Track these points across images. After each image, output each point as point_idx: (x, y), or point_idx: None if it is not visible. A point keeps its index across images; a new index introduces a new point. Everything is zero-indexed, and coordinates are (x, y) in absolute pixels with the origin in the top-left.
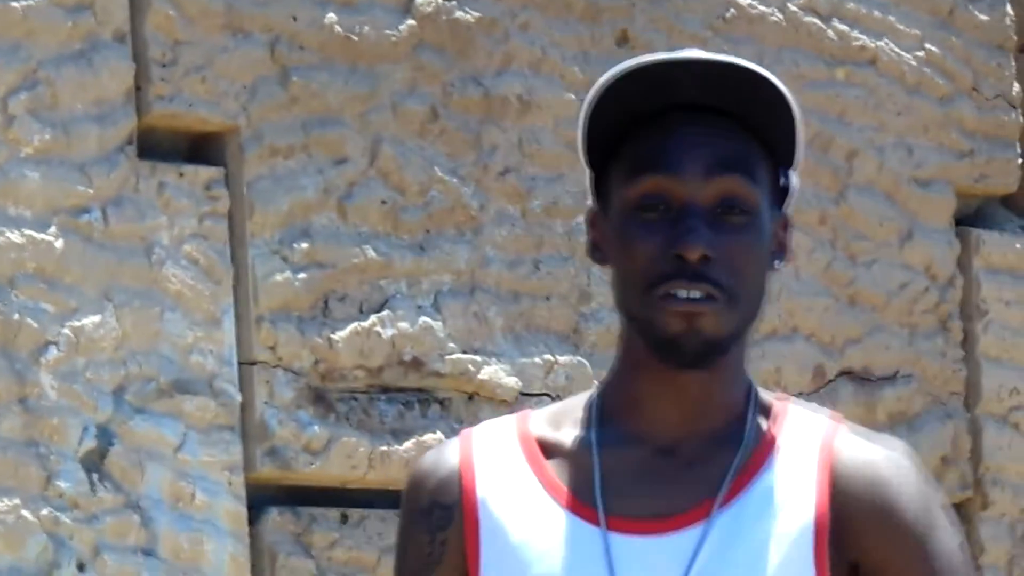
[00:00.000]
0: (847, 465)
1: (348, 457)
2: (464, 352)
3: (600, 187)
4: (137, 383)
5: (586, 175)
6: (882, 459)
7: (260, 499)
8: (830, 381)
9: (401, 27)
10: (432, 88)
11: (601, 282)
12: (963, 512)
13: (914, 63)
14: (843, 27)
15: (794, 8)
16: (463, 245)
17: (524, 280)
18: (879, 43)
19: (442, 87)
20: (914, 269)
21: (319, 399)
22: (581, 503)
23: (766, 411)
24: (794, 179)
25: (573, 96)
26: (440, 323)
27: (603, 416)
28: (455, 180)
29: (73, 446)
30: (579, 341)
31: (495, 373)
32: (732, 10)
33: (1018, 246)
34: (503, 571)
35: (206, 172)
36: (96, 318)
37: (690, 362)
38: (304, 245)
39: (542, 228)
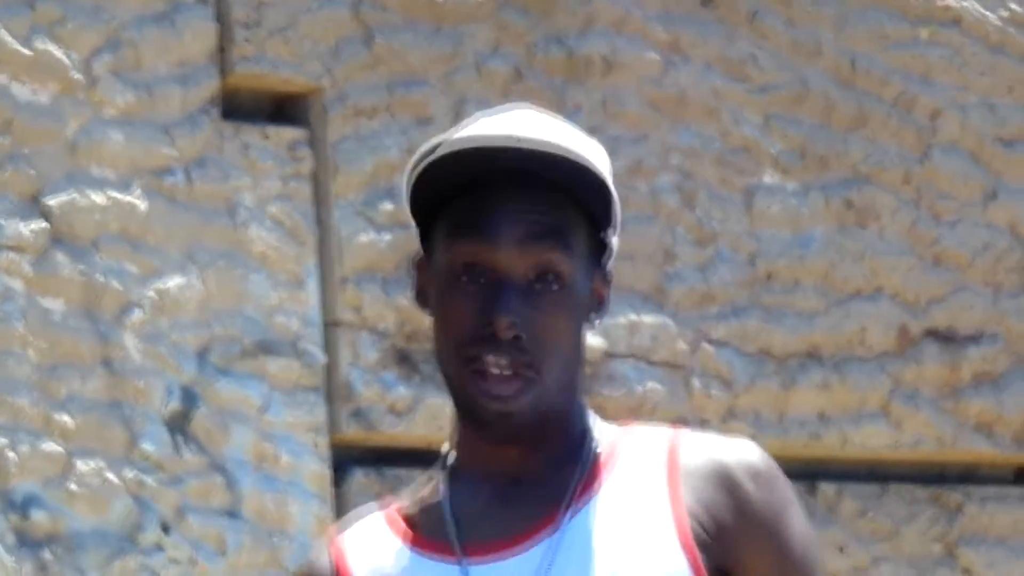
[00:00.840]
0: (693, 465)
1: (433, 418)
2: None
3: (425, 236)
4: (221, 344)
5: (414, 227)
6: (724, 455)
7: (345, 460)
8: (913, 340)
9: None
10: (516, 48)
11: (685, 242)
12: None
13: (998, 22)
14: None
15: None
16: None
17: None
18: (963, 3)
19: (526, 47)
20: (998, 228)
21: (404, 360)
22: (439, 543)
23: (606, 430)
24: (614, 239)
25: (657, 56)
26: None
27: (453, 467)
28: None
29: (157, 408)
30: (663, 301)
31: None
32: None
33: None
34: None
35: (290, 133)
36: (180, 279)
37: (503, 440)
38: (388, 206)
39: (626, 188)
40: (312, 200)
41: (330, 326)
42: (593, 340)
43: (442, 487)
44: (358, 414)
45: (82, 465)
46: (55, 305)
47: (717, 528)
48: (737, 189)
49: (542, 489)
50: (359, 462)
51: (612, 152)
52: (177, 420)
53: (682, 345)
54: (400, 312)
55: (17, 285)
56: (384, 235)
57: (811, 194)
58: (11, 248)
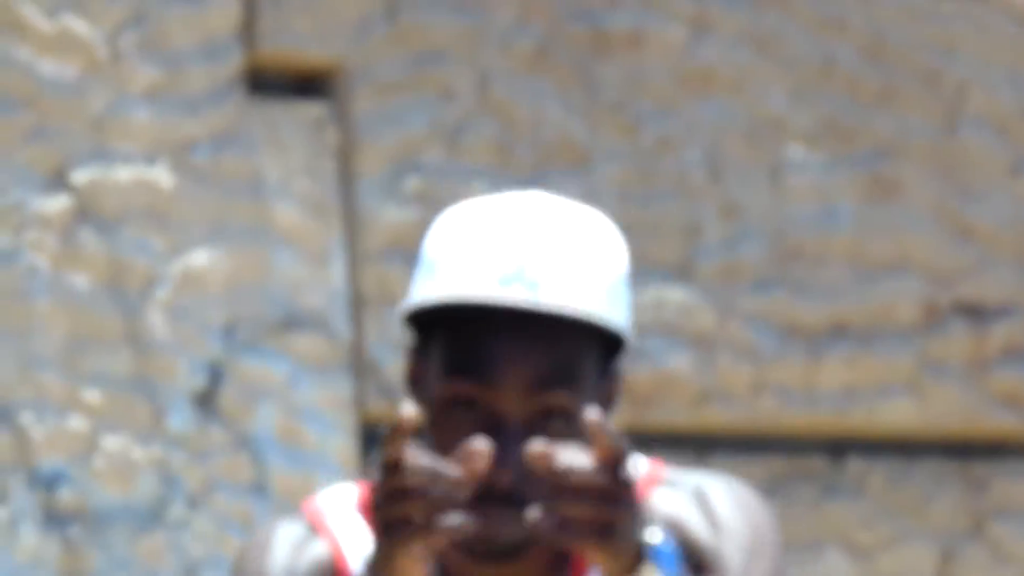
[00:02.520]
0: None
1: None
2: None
3: (423, 339)
4: (247, 320)
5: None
6: (681, 504)
7: (372, 436)
8: (939, 313)
9: None
10: (541, 23)
11: (712, 216)
12: None
13: None
14: None
15: None
16: (573, 180)
17: (634, 215)
18: None
19: (551, 22)
20: (1023, 201)
21: None
22: None
23: None
24: (628, 338)
25: (683, 30)
26: None
27: None
28: (565, 115)
29: (182, 383)
30: (690, 275)
31: None
32: None
33: None
34: None
35: (315, 108)
36: (205, 255)
37: (497, 569)
38: (413, 181)
39: (652, 162)
40: (337, 176)
41: (356, 301)
42: None
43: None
44: (384, 390)
45: (108, 441)
46: (80, 281)
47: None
48: (764, 163)
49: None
50: None
51: (638, 127)
52: (203, 396)
53: (709, 319)
54: None
55: (42, 261)
56: (409, 210)
57: (838, 168)
58: (36, 224)
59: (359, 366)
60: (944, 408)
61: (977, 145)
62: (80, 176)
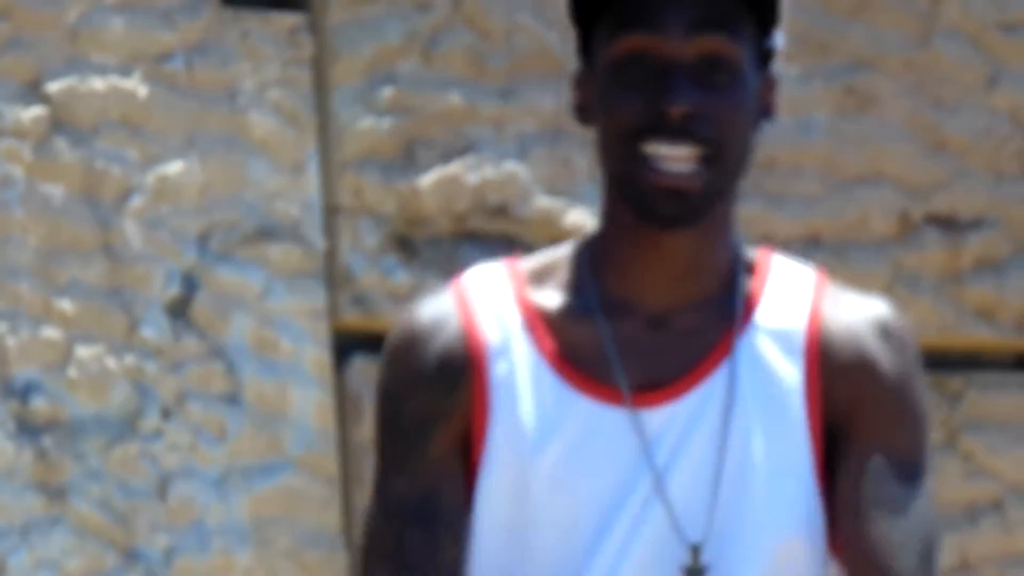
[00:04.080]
0: (833, 326)
1: None
2: (550, 196)
3: (587, 46)
4: (221, 230)
5: (574, 34)
6: (866, 321)
7: (345, 346)
8: (913, 226)
9: None
10: None
11: None
12: None
13: None
14: None
15: None
16: (547, 90)
17: None
18: None
19: None
20: (1000, 114)
21: (404, 245)
22: (591, 379)
23: (751, 270)
24: (779, 38)
25: None
26: (525, 168)
27: (595, 282)
28: (539, 25)
29: (157, 294)
30: None
31: (580, 217)
32: None
33: None
34: (512, 447)
35: (290, 18)
36: (180, 165)
37: (671, 223)
38: (389, 91)
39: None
40: (312, 86)
41: (330, 211)
42: (593, 223)
43: (596, 310)
44: (358, 300)
45: (82, 351)
46: (55, 191)
47: (844, 395)
48: None
49: (689, 337)
50: (360, 348)
51: None
52: (177, 306)
53: None
54: (400, 197)
55: (17, 171)
56: (384, 120)
57: (811, 80)
58: (11, 134)
59: (333, 276)
60: (918, 320)
61: (952, 57)
62: (55, 86)
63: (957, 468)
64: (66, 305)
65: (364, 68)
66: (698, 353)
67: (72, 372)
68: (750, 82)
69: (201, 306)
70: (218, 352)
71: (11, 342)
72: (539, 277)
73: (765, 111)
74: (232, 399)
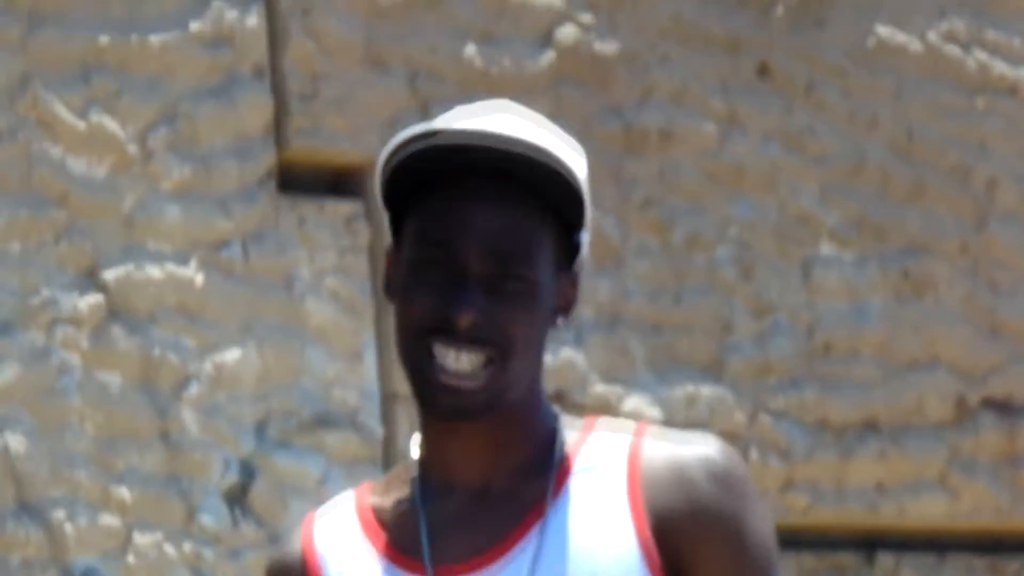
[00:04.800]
0: (652, 468)
1: None
2: (606, 384)
3: (396, 227)
4: (279, 417)
5: (384, 216)
6: (684, 455)
7: None
8: (970, 409)
9: (541, 59)
10: (573, 120)
11: (743, 313)
12: None
13: None
14: (983, 55)
15: (934, 37)
16: (605, 277)
17: (666, 312)
18: (1019, 71)
19: (583, 119)
20: None
21: None
22: (412, 560)
23: (573, 434)
24: (585, 238)
25: (714, 127)
26: (582, 355)
27: (422, 471)
28: (597, 212)
29: (215, 481)
30: (721, 372)
31: (637, 405)
32: (872, 39)
33: None
34: None
35: (346, 206)
36: (237, 353)
37: (452, 417)
38: None
39: (683, 260)
40: (369, 273)
41: (388, 398)
42: (650, 410)
43: (416, 495)
44: None
45: (140, 538)
46: (112, 379)
47: (672, 530)
48: (794, 260)
49: (509, 501)
50: None
51: (670, 223)
52: (235, 493)
53: (740, 416)
54: None
55: (74, 359)
56: None
57: (868, 265)
58: (68, 322)
59: (390, 463)
60: (974, 504)
61: (1007, 241)
62: (111, 274)
63: None
64: (124, 492)
65: None
66: (511, 521)
67: (131, 559)
68: (545, 288)
69: (259, 493)
70: (276, 539)
71: (69, 529)
72: (384, 484)
73: (564, 309)
74: None
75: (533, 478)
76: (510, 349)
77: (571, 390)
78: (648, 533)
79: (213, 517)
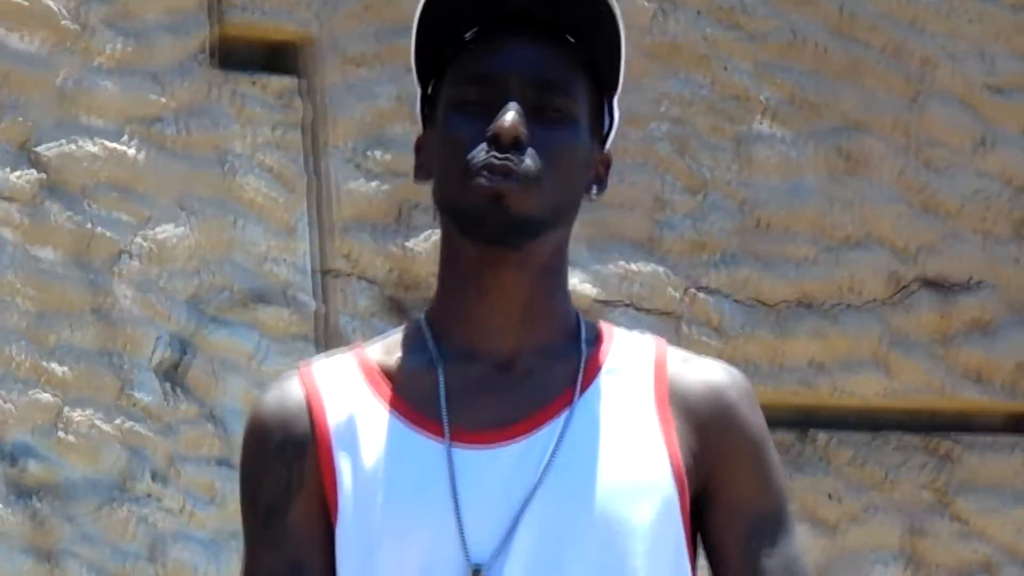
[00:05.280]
0: (682, 380)
1: None
2: None
3: (429, 106)
4: (213, 293)
5: (416, 96)
6: (716, 374)
7: None
8: (905, 288)
9: None
10: None
11: (678, 190)
12: None
13: None
14: None
15: None
16: None
17: None
18: None
19: None
20: (989, 176)
21: (396, 308)
22: (428, 420)
23: (594, 332)
24: (616, 114)
25: (649, 4)
26: None
27: (436, 335)
28: None
29: (148, 356)
30: (655, 249)
31: (572, 283)
32: None
33: None
34: (359, 495)
35: (282, 81)
36: (171, 227)
37: (498, 237)
38: (381, 154)
39: (618, 136)
40: (304, 149)
41: (322, 274)
42: (584, 287)
43: (434, 357)
44: None
45: (74, 414)
46: (46, 254)
47: (705, 449)
48: (729, 137)
49: (537, 380)
50: None
51: None
52: (169, 369)
53: (674, 293)
54: (392, 260)
55: (8, 234)
56: (377, 184)
57: (803, 142)
58: (2, 198)
59: (326, 339)
60: (910, 382)
61: (941, 119)
62: (47, 149)
63: (949, 530)
64: (58, 368)
65: (356, 131)
66: (537, 402)
67: (64, 435)
68: (583, 135)
69: (193, 369)
70: (210, 415)
71: (3, 405)
72: (383, 347)
73: (597, 180)
74: (225, 462)
75: (560, 363)
76: (552, 173)
77: None
78: (676, 444)
79: (147, 393)
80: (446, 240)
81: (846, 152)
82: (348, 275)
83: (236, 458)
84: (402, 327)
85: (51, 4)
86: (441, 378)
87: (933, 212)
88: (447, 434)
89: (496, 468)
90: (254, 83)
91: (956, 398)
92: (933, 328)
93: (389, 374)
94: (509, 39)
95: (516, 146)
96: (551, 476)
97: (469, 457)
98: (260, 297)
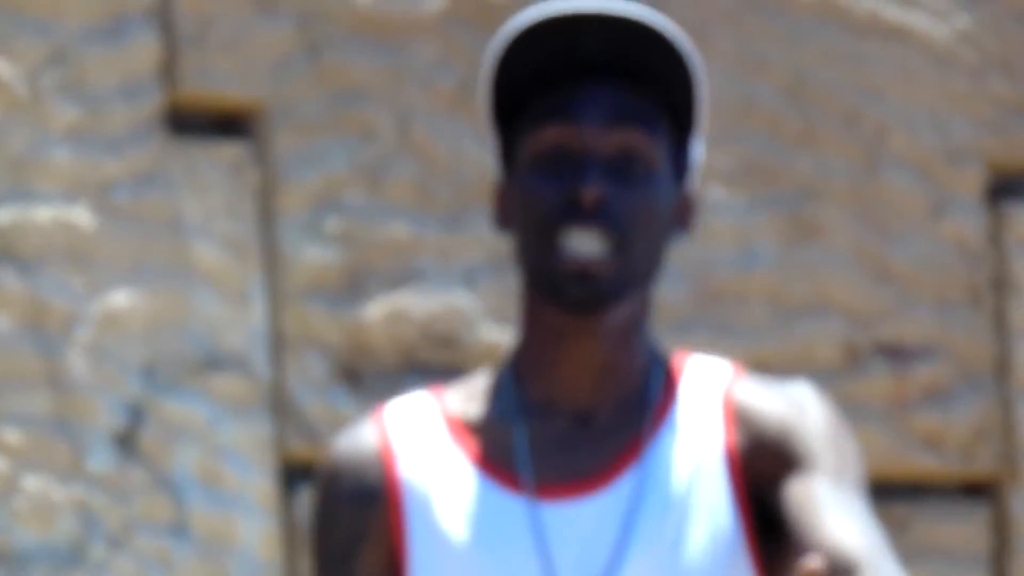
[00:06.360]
0: (748, 405)
1: None
2: (497, 325)
3: (507, 154)
4: (167, 361)
5: (491, 146)
6: (780, 396)
7: (293, 476)
8: (861, 356)
9: (431, 2)
10: (462, 63)
11: None
12: (996, 487)
13: (945, 37)
14: (873, 0)
15: None
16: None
17: None
18: (910, 17)
19: (471, 62)
20: (945, 243)
21: (350, 375)
22: (506, 473)
23: (663, 371)
24: (699, 149)
25: None
26: (472, 298)
27: (517, 386)
28: (485, 155)
29: (103, 424)
30: None
31: None
32: None
33: None
34: (431, 548)
35: (235, 148)
36: (125, 295)
37: (581, 307)
38: (334, 221)
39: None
40: (257, 215)
41: (277, 342)
42: None
43: (513, 411)
44: (305, 430)
45: (28, 481)
46: (0, 321)
47: (768, 474)
48: None
49: (613, 432)
50: (307, 478)
51: None
52: (123, 436)
53: None
54: (346, 327)
55: None
56: (330, 250)
57: (757, 209)
58: None
59: (279, 406)
60: (865, 449)
61: (897, 186)
62: (0, 215)
63: None
64: (11, 435)
65: (310, 198)
66: (612, 452)
67: (18, 502)
68: (664, 183)
69: (147, 436)
70: (164, 482)
71: None
72: (463, 394)
73: (682, 223)
74: (178, 530)
75: (633, 410)
76: (635, 234)
77: (461, 333)
78: (744, 488)
79: (100, 460)
80: (528, 298)
81: (800, 219)
82: (302, 342)
83: (189, 526)
84: (481, 373)
85: (4, 70)
86: (523, 434)
87: (887, 279)
88: (529, 487)
89: (580, 521)
90: (207, 149)
91: (910, 464)
92: (887, 395)
93: (469, 425)
94: (584, 87)
95: (598, 209)
96: (639, 528)
97: (552, 511)
98: (213, 364)
